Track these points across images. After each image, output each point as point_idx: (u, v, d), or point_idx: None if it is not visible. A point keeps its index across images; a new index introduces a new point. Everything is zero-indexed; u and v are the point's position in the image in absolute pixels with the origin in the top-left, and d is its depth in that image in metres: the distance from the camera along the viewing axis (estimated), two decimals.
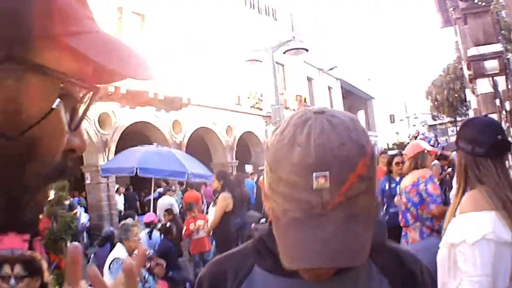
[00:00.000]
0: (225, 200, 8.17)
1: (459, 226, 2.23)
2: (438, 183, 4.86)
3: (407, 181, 5.13)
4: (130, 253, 5.70)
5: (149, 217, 10.07)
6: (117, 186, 17.94)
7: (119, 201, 16.76)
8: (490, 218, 2.15)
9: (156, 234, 9.10)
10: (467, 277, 2.11)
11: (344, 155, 0.94)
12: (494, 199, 2.21)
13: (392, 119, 47.31)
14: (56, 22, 0.59)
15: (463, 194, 2.41)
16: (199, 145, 22.39)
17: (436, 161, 8.69)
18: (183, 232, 9.66)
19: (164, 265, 7.27)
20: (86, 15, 0.65)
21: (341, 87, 40.81)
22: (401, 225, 5.17)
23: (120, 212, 16.66)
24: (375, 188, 1.02)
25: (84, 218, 15.10)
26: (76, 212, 11.51)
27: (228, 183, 8.49)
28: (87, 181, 17.05)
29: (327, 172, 0.92)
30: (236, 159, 24.51)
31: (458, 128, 2.67)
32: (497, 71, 9.30)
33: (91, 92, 0.69)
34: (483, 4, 9.82)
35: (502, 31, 7.45)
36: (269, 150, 1.04)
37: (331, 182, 0.92)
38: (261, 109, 26.79)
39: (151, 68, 0.70)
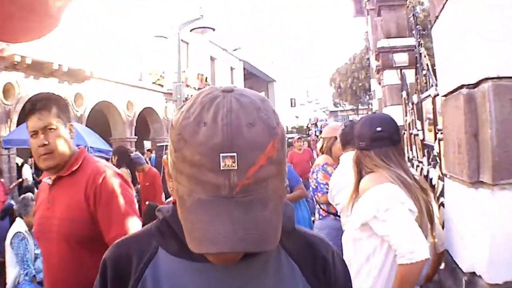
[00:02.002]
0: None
1: (368, 202, 2.38)
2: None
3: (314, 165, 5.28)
4: (30, 228, 5.54)
5: None
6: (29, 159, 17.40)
7: (27, 173, 15.90)
8: (395, 188, 2.36)
9: None
10: (398, 236, 2.25)
11: (253, 135, 0.89)
12: (391, 176, 2.42)
13: (293, 103, 48.23)
14: None
15: (357, 185, 2.64)
16: (100, 119, 21.93)
17: None
18: None
19: None
20: None
21: (244, 68, 41.07)
22: None
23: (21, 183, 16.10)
24: (285, 171, 0.98)
25: None
26: None
27: (124, 159, 8.16)
28: None
29: (235, 153, 0.87)
30: (135, 134, 24.30)
31: (359, 116, 2.79)
32: (406, 64, 9.63)
33: None
34: None
35: (418, 26, 7.65)
36: (173, 128, 0.97)
37: (239, 163, 0.87)
38: (162, 86, 26.73)
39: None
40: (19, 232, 5.52)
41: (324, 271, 1.17)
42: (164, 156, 1.06)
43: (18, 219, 5.83)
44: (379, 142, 2.56)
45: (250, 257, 1.06)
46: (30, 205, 5.76)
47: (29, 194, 6.48)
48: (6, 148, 15.13)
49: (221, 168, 0.87)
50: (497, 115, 1.99)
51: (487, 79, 2.02)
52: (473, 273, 2.18)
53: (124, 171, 7.88)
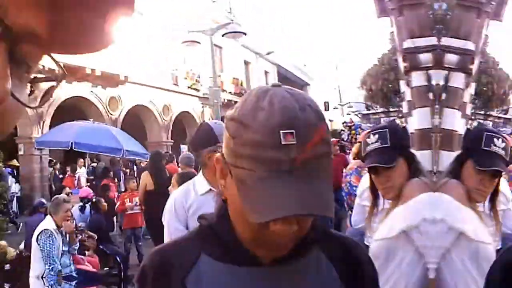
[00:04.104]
0: (143, 179, 8.39)
1: (410, 211, 2.25)
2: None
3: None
4: (59, 227, 5.85)
5: (84, 192, 10.06)
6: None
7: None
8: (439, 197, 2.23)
9: (88, 208, 9.20)
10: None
11: (307, 116, 1.00)
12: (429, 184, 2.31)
13: (326, 106, 47.81)
14: None
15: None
16: (135, 123, 22.17)
17: None
18: (117, 207, 9.78)
19: (95, 239, 7.45)
20: None
21: (278, 72, 40.94)
22: None
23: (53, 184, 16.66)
24: (331, 154, 1.07)
25: (15, 188, 15.32)
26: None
27: (153, 163, 8.65)
28: (20, 152, 17.03)
29: (294, 130, 0.96)
30: (171, 139, 24.46)
31: (391, 118, 2.71)
32: (431, 64, 9.62)
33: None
34: None
35: (438, 25, 7.70)
36: (230, 120, 1.07)
37: (298, 139, 0.96)
38: (198, 90, 26.74)
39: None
40: (47, 229, 5.72)
41: (360, 276, 1.24)
42: (217, 154, 1.13)
43: (48, 217, 6.10)
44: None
45: (292, 260, 1.13)
46: (60, 205, 6.01)
47: (62, 196, 6.91)
48: (38, 149, 15.86)
49: (282, 143, 0.96)
50: None
51: None
52: None
53: (143, 174, 8.43)
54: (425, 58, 10.24)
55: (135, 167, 17.30)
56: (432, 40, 9.83)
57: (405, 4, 10.15)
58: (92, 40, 0.58)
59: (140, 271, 1.20)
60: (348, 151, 15.91)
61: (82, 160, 15.38)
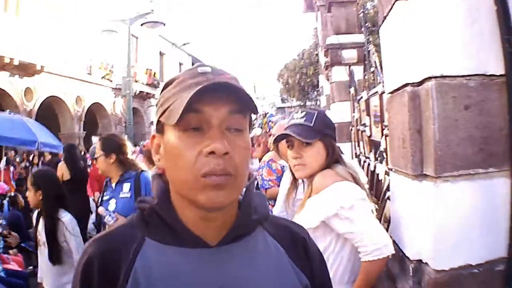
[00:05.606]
0: (59, 170, 8.07)
1: (329, 200, 2.33)
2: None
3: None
4: None
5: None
6: None
7: None
8: (354, 185, 2.38)
9: (7, 204, 8.95)
10: (362, 234, 2.27)
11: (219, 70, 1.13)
12: (348, 172, 2.45)
13: None
14: None
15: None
16: (49, 114, 21.70)
17: None
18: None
19: (17, 236, 7.15)
20: None
21: (192, 63, 40.73)
22: None
23: None
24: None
25: None
26: None
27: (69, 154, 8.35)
28: None
29: (209, 68, 1.10)
30: (84, 130, 24.16)
31: None
32: (355, 61, 9.81)
33: None
34: None
35: (367, 23, 7.81)
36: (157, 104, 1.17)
37: (213, 70, 1.10)
38: (111, 81, 26.52)
39: None
40: None
41: (305, 252, 1.25)
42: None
43: None
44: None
45: (240, 239, 1.14)
46: None
47: None
48: None
49: (199, 72, 1.08)
50: (440, 112, 2.10)
51: (431, 78, 2.13)
52: (420, 261, 2.30)
53: (60, 165, 8.17)
54: (349, 54, 10.24)
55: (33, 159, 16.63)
56: (359, 38, 9.87)
57: (334, 1, 10.20)
58: None
59: (85, 262, 1.08)
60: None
61: None
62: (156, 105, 1.17)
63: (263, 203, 1.25)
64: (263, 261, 1.16)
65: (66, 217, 4.12)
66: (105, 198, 4.21)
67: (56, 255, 4.03)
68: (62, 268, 4.06)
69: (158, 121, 1.13)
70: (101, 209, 4.06)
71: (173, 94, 1.08)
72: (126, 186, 4.10)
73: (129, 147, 4.39)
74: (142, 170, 4.25)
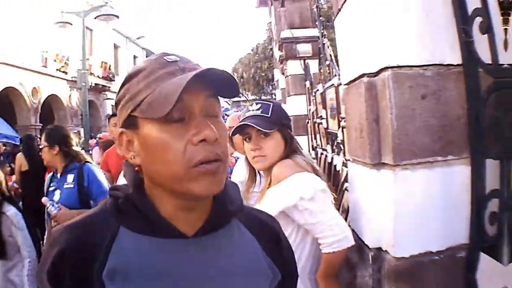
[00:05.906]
0: (17, 161, 8.11)
1: (288, 190, 2.34)
2: None
3: None
4: None
5: None
6: None
7: None
8: (314, 176, 2.40)
9: None
10: (322, 225, 2.29)
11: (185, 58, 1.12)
12: (307, 163, 2.48)
13: None
14: None
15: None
16: (4, 105, 21.54)
17: None
18: None
19: None
20: None
21: (147, 56, 40.50)
22: None
23: None
24: None
25: None
26: None
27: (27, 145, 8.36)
28: None
29: (176, 57, 1.10)
30: (40, 122, 23.89)
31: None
32: (309, 55, 9.86)
33: None
34: None
35: (321, 17, 7.86)
36: (118, 94, 1.14)
37: (181, 58, 1.10)
38: (67, 73, 26.37)
39: None
40: None
41: (277, 243, 1.28)
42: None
43: None
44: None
45: (216, 230, 1.14)
46: None
47: None
48: None
49: (168, 61, 1.07)
50: (397, 102, 2.12)
51: (387, 68, 2.14)
52: (379, 249, 2.32)
53: (18, 156, 8.18)
54: (304, 48, 10.30)
55: None
56: (314, 32, 9.92)
57: None
58: None
59: (57, 252, 1.03)
60: None
61: None
62: (120, 99, 1.12)
63: (238, 195, 1.25)
64: (238, 252, 1.17)
65: (10, 211, 4.03)
66: (51, 188, 4.27)
67: (1, 250, 3.95)
68: (8, 263, 3.99)
69: (129, 116, 1.09)
70: (44, 199, 4.10)
71: (145, 86, 1.05)
72: (70, 177, 4.17)
73: (74, 139, 4.48)
74: (86, 161, 4.32)
